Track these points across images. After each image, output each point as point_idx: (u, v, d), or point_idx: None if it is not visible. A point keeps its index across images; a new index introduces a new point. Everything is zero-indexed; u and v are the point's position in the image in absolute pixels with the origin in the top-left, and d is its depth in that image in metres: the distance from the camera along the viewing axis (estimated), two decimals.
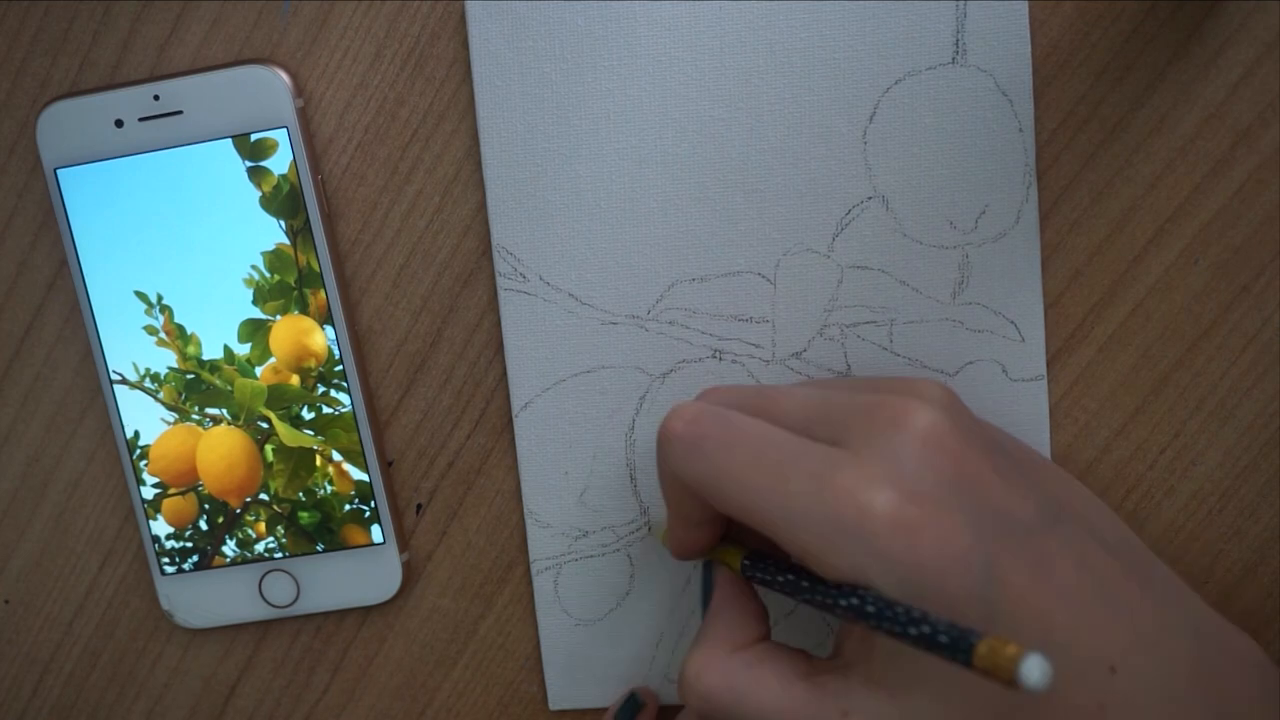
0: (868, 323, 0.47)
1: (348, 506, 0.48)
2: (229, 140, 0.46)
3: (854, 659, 0.38)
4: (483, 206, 0.47)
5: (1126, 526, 0.43)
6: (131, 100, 0.46)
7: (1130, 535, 0.43)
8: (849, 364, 0.47)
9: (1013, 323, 0.46)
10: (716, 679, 0.39)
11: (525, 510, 0.48)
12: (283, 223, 0.46)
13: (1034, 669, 0.29)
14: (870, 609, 0.35)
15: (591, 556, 0.49)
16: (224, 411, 0.48)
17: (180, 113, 0.46)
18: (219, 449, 0.48)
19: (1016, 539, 0.37)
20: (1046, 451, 0.47)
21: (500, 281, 0.47)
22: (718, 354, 0.47)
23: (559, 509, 0.48)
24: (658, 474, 0.41)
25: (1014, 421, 0.47)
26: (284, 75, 0.46)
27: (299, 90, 0.46)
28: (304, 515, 0.48)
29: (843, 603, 0.36)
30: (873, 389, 0.40)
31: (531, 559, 0.49)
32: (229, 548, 0.49)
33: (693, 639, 0.41)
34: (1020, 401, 0.47)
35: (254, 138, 0.46)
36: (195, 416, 0.48)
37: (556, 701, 0.50)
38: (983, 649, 0.31)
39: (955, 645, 0.32)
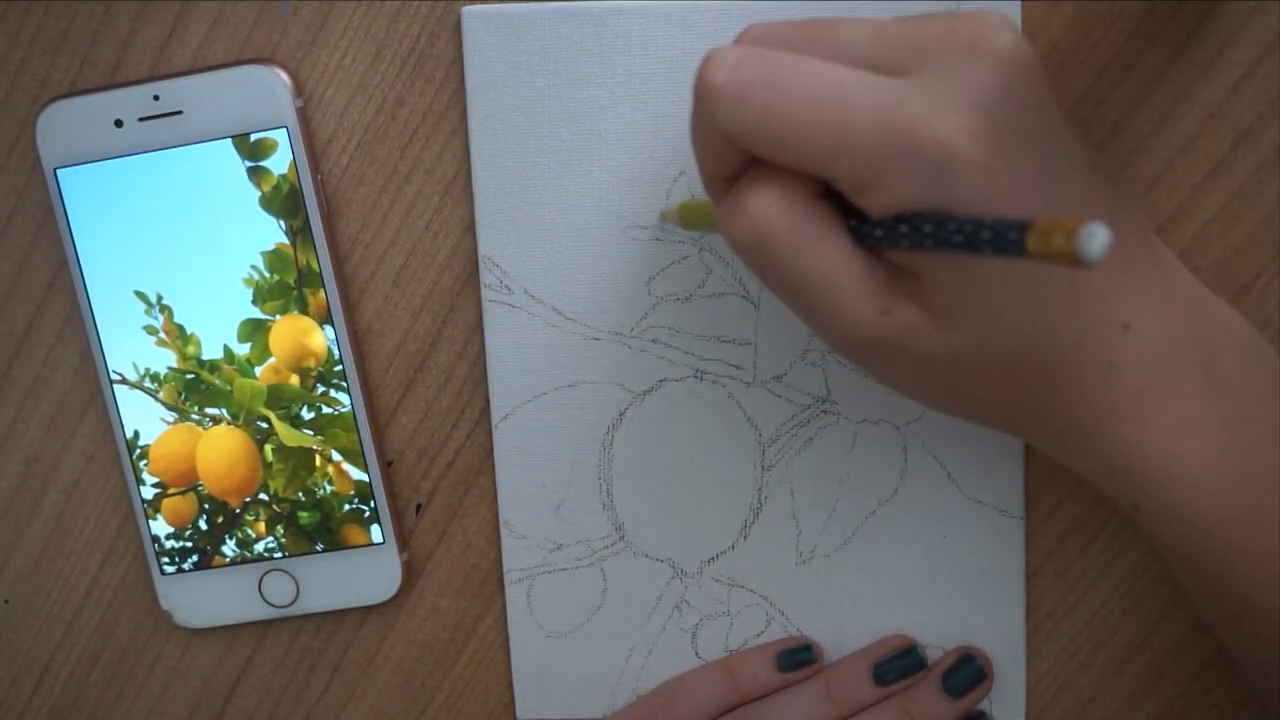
0: None
1: (347, 506, 0.48)
2: (229, 140, 0.46)
3: (902, 277, 0.37)
4: None
5: (1133, 195, 0.43)
6: (131, 100, 0.46)
7: (1136, 201, 0.42)
8: (829, 389, 0.47)
9: None
10: (783, 220, 0.35)
11: (501, 520, 0.49)
12: (283, 223, 0.46)
13: (1094, 237, 0.27)
14: (928, 228, 0.33)
15: (565, 569, 0.49)
16: (224, 411, 0.48)
17: (180, 113, 0.46)
18: (219, 449, 0.48)
19: (1071, 177, 0.36)
20: (1021, 479, 0.47)
21: (485, 293, 0.47)
22: (699, 373, 0.47)
23: (534, 521, 0.49)
24: (691, 134, 0.37)
25: (991, 451, 0.47)
26: (284, 75, 0.46)
27: (299, 90, 0.46)
28: (304, 515, 0.48)
29: (903, 229, 0.34)
30: (942, 18, 0.36)
31: (505, 569, 0.49)
32: (229, 548, 0.49)
33: (751, 173, 0.37)
34: (997, 434, 0.47)
35: (254, 138, 0.46)
36: (195, 416, 0.48)
37: (524, 712, 0.50)
38: (1039, 227, 0.29)
39: (1007, 230, 0.30)
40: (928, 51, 0.35)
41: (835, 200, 0.36)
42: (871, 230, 0.35)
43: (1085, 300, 0.37)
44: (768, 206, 0.35)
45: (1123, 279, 0.38)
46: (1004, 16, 0.36)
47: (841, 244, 0.36)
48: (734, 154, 0.36)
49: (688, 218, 0.44)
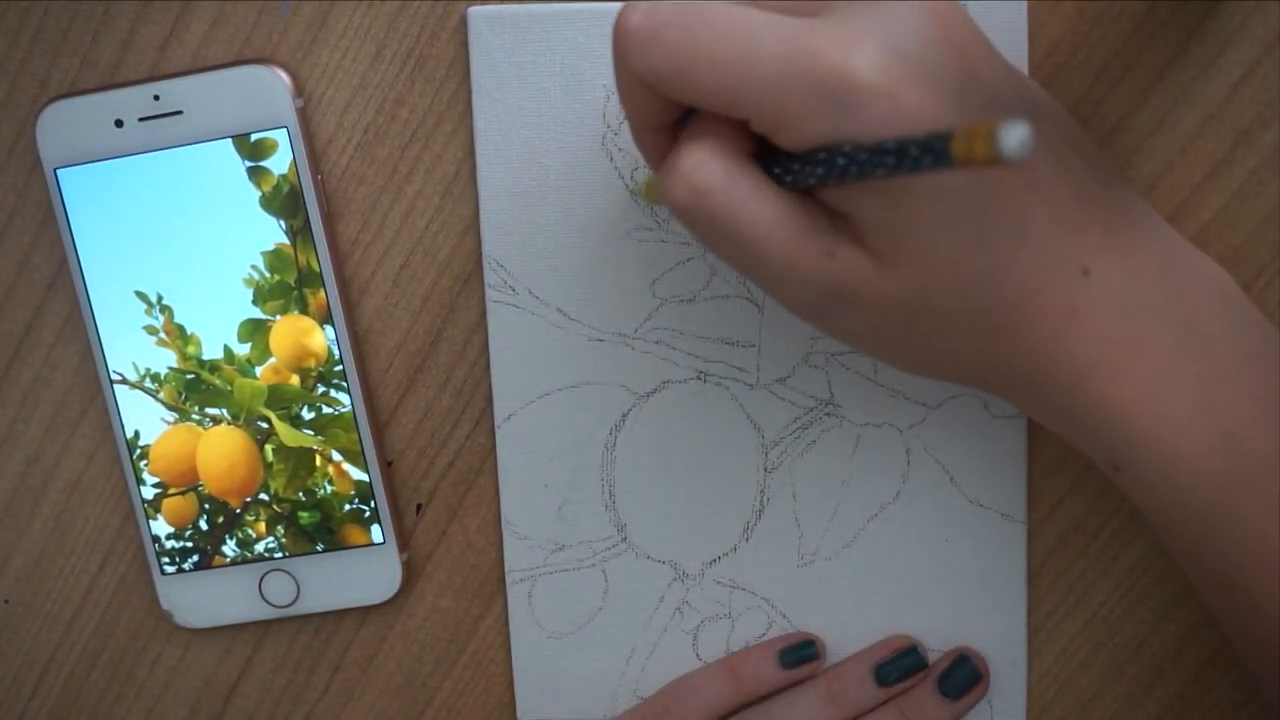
0: (852, 352, 0.47)
1: (348, 506, 0.48)
2: (229, 140, 0.46)
3: (842, 222, 0.37)
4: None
5: (1101, 151, 0.42)
6: (131, 100, 0.46)
7: (1105, 157, 0.42)
8: (832, 392, 0.47)
9: None
10: (719, 176, 0.36)
11: (503, 520, 0.48)
12: (283, 223, 0.46)
13: (1012, 132, 0.27)
14: (861, 154, 0.33)
15: (566, 570, 0.49)
16: (224, 411, 0.48)
17: (180, 113, 0.46)
18: (219, 449, 0.48)
19: None
20: (1024, 483, 0.47)
21: (489, 294, 0.47)
22: (702, 375, 0.47)
23: (537, 521, 0.49)
24: (615, 80, 0.38)
25: (994, 455, 0.47)
26: (284, 75, 0.46)
27: (299, 90, 0.46)
28: (304, 515, 0.48)
29: (820, 158, 0.34)
30: None
31: (507, 570, 0.49)
32: (229, 548, 0.49)
33: (684, 139, 0.37)
34: (1001, 438, 0.47)
35: (254, 138, 0.46)
36: (195, 416, 0.48)
37: (525, 713, 0.50)
38: (961, 133, 0.29)
39: (931, 141, 0.30)
40: None
41: (765, 153, 0.37)
42: (790, 166, 0.36)
43: (1033, 240, 0.37)
44: (700, 166, 0.36)
45: (1080, 224, 0.38)
46: None
47: (777, 195, 0.36)
48: (656, 102, 0.37)
49: (652, 191, 0.44)
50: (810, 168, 0.35)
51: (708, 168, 0.36)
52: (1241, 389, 0.39)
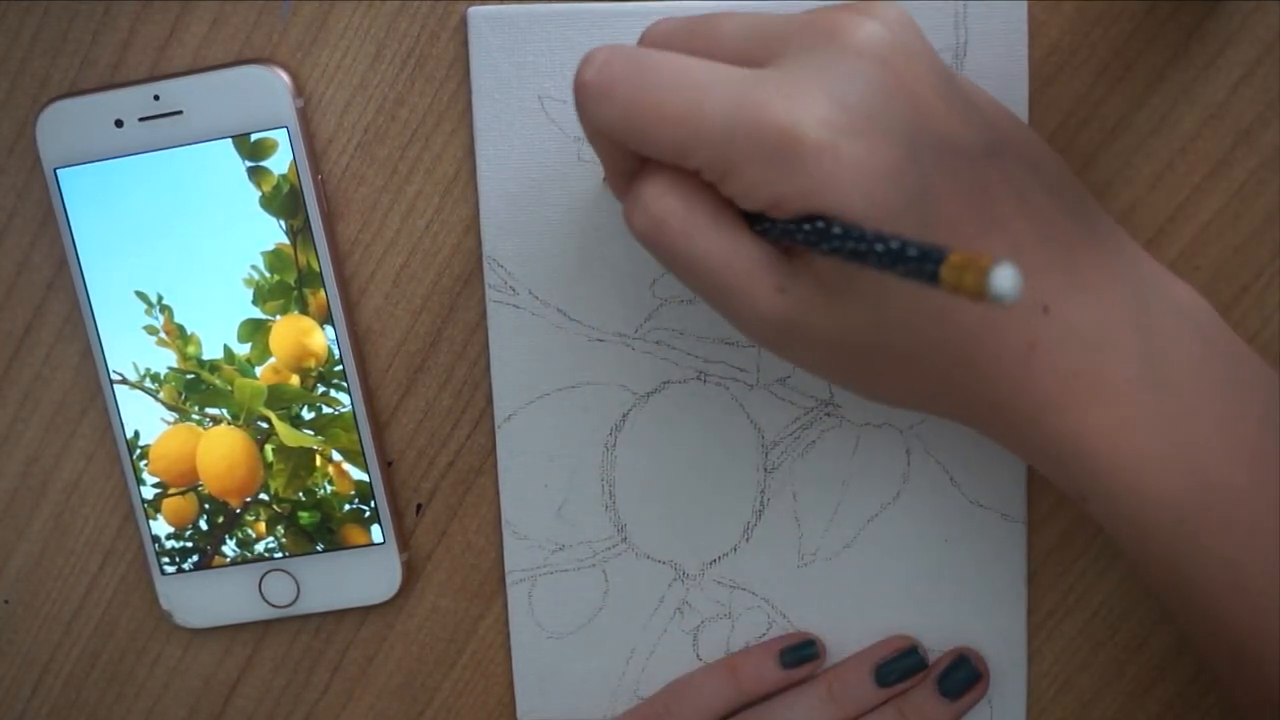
0: None
1: (347, 506, 0.48)
2: (229, 140, 0.46)
3: (796, 257, 0.37)
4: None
5: (1073, 175, 0.42)
6: (131, 100, 0.46)
7: (1076, 183, 0.41)
8: (832, 392, 0.47)
9: None
10: (676, 207, 0.36)
11: (503, 521, 0.48)
12: (283, 223, 0.46)
13: (1004, 278, 0.27)
14: (836, 230, 0.33)
15: (566, 570, 0.49)
16: (224, 411, 0.48)
17: (180, 113, 0.46)
18: (219, 449, 0.48)
19: (955, 165, 0.36)
20: (1024, 483, 0.47)
21: (489, 294, 0.47)
22: (702, 375, 0.47)
23: (537, 521, 0.49)
24: (581, 128, 0.38)
25: (994, 455, 0.47)
26: (284, 75, 0.46)
27: (299, 90, 0.46)
28: (304, 515, 0.48)
29: (805, 226, 0.34)
30: (814, 9, 0.37)
31: (507, 570, 0.49)
32: (229, 548, 0.49)
33: (649, 166, 0.38)
34: None
35: (254, 138, 0.46)
36: (195, 416, 0.48)
37: (525, 713, 0.50)
38: (953, 260, 0.29)
39: (923, 259, 0.30)
40: (788, 43, 0.35)
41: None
42: (772, 227, 0.36)
43: None
44: (661, 196, 0.37)
45: (1042, 262, 0.38)
46: (880, 6, 0.36)
47: (734, 227, 0.37)
48: (620, 149, 0.37)
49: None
50: (799, 232, 0.35)
51: (666, 199, 0.37)
52: (1210, 422, 0.39)
